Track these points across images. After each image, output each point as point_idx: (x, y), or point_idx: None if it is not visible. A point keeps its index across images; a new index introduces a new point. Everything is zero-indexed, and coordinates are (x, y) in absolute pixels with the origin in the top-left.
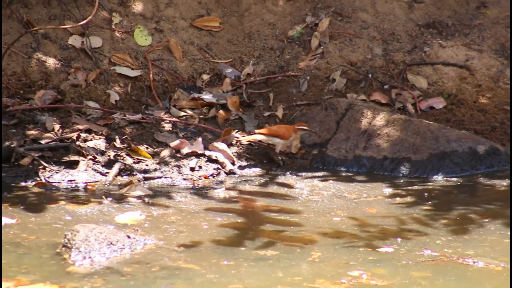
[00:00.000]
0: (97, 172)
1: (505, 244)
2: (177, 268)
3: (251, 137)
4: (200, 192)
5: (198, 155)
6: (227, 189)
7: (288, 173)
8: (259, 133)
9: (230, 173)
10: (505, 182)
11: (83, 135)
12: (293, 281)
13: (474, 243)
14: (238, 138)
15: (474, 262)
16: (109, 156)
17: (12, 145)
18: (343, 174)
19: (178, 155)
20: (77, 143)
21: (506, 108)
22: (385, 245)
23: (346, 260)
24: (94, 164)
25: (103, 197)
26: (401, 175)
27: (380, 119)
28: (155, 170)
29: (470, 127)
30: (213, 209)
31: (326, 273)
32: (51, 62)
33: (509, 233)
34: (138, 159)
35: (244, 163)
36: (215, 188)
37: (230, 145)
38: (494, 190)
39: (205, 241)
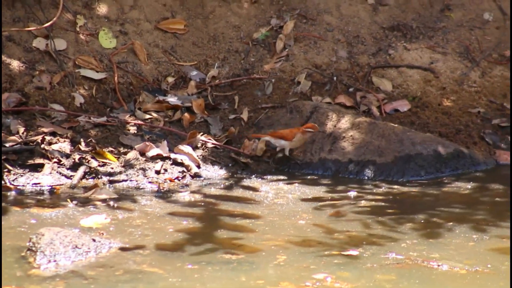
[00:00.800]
0: (62, 175)
1: (469, 247)
2: (140, 272)
3: (262, 135)
4: (166, 195)
5: (163, 158)
6: (192, 192)
7: (253, 176)
8: (267, 134)
9: (196, 176)
10: (469, 185)
11: (48, 138)
12: (256, 285)
13: (439, 246)
14: (254, 135)
15: (438, 265)
16: (74, 159)
17: None
18: (308, 177)
19: (144, 158)
20: (42, 146)
21: (471, 111)
22: (350, 249)
23: (311, 264)
24: (59, 167)
25: (68, 200)
26: (366, 178)
27: (345, 122)
28: (120, 173)
29: (434, 130)
30: (178, 213)
31: (290, 276)
32: (15, 64)
33: (474, 236)
34: (103, 162)
35: (209, 166)
36: (181, 191)
37: (195, 148)
38: (459, 193)
39: (170, 245)
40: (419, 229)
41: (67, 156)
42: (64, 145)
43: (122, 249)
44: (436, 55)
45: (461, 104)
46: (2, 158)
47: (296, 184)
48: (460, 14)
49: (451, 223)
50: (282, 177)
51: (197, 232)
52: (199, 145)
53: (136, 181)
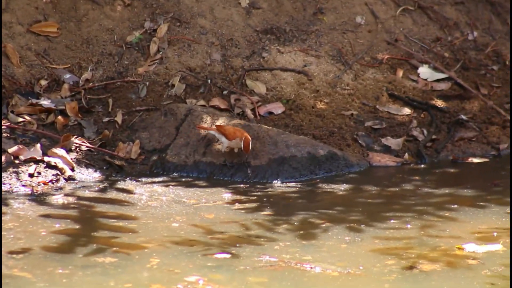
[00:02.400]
0: None
1: (342, 249)
2: (9, 277)
3: (208, 128)
4: (39, 198)
5: (37, 161)
6: (66, 195)
7: (128, 179)
8: (214, 128)
9: (70, 179)
10: (343, 187)
11: None
12: None
13: (312, 248)
14: (200, 126)
15: (311, 268)
16: None
17: None
18: (183, 179)
19: (17, 161)
20: None
21: (344, 114)
22: (224, 251)
23: (184, 266)
24: None
25: None
26: (240, 180)
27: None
28: None
29: (308, 132)
30: (51, 216)
31: (162, 278)
32: None
33: (347, 237)
34: None
35: (83, 169)
36: (54, 194)
37: (69, 151)
38: (333, 195)
39: (42, 248)
40: (293, 231)
41: None
42: None
43: None
44: (309, 58)
45: (335, 106)
46: None
47: (171, 187)
48: (332, 18)
49: (325, 225)
50: (156, 180)
51: (71, 235)
52: (73, 148)
53: (9, 184)
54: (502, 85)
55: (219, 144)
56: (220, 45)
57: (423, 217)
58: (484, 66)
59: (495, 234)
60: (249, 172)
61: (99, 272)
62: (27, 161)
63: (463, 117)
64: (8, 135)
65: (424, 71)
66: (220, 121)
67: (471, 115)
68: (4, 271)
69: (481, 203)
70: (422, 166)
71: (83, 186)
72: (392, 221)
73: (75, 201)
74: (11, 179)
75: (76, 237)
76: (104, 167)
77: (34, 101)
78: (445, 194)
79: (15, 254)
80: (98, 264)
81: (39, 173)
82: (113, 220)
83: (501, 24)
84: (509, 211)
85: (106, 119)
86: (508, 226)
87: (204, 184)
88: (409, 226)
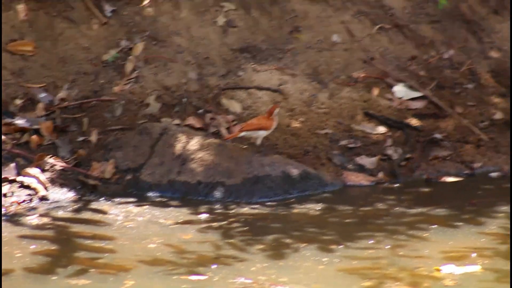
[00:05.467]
0: None
1: (319, 270)
2: None
3: (235, 135)
4: (13, 219)
5: (10, 181)
6: (40, 215)
7: (102, 198)
8: (242, 130)
9: (44, 199)
10: (318, 206)
11: None
12: None
13: (288, 269)
14: (226, 136)
15: None
16: None
17: None
18: (158, 199)
19: None
20: None
21: (319, 132)
22: (199, 273)
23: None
24: None
25: None
26: (215, 199)
27: (194, 144)
28: None
29: (283, 151)
30: (26, 236)
31: None
32: None
33: (323, 259)
34: None
35: (58, 189)
36: (28, 215)
37: (43, 170)
38: (308, 215)
39: (17, 270)
40: (269, 251)
41: None
42: None
43: None
44: (285, 76)
45: (310, 125)
46: None
47: (146, 207)
48: (309, 36)
49: (301, 245)
50: (131, 200)
51: (46, 256)
52: (47, 167)
53: None
54: (477, 103)
55: (255, 138)
56: (196, 63)
57: (398, 237)
58: (459, 84)
59: (474, 255)
60: (223, 191)
61: None
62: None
63: (438, 136)
64: None
65: (399, 90)
66: (195, 140)
67: (446, 134)
68: None
69: (457, 223)
70: (397, 185)
71: (57, 206)
72: (369, 241)
73: (50, 222)
74: None
75: (52, 259)
76: (78, 187)
77: (8, 120)
78: (420, 213)
79: None
80: (72, 286)
81: (12, 193)
82: (89, 241)
83: (477, 43)
84: (486, 232)
85: (81, 139)
86: (486, 246)
87: (180, 204)
88: (387, 246)
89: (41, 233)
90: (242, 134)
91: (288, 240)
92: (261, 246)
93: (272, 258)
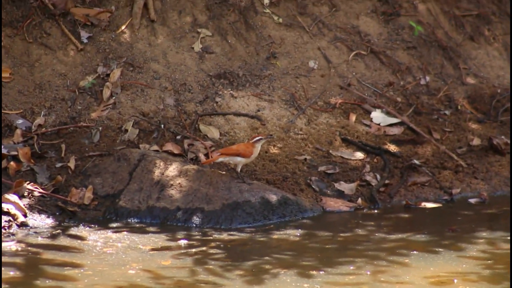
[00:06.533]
0: None
1: None
2: None
3: (214, 159)
4: None
5: None
6: (18, 242)
7: (81, 225)
8: (220, 154)
9: (22, 225)
10: (298, 232)
11: None
12: None
13: None
14: (203, 161)
15: None
16: None
17: None
18: (137, 225)
19: None
20: None
21: (297, 158)
22: None
23: None
24: None
25: None
26: (194, 225)
27: (173, 170)
28: None
29: (262, 177)
30: (4, 264)
31: None
32: None
33: (304, 284)
34: None
35: (36, 215)
36: (7, 241)
37: (22, 196)
38: (288, 240)
39: None
40: (248, 277)
41: None
42: None
43: None
44: (262, 102)
45: (288, 151)
46: None
47: (125, 233)
48: (286, 62)
49: (281, 271)
50: (110, 226)
51: (23, 284)
52: (25, 193)
53: None
54: (454, 129)
55: (233, 165)
56: (173, 89)
57: (379, 263)
58: (436, 110)
59: (455, 280)
60: (202, 217)
61: None
62: None
63: (416, 161)
64: None
65: (377, 116)
66: (173, 166)
67: (424, 159)
68: None
69: (437, 249)
70: (376, 211)
71: (36, 232)
72: (350, 267)
73: (28, 248)
74: None
75: (27, 286)
76: (57, 213)
77: None
78: (400, 239)
79: None
80: None
81: None
82: (68, 268)
83: (453, 69)
84: (467, 256)
85: (59, 165)
86: (468, 271)
87: (159, 229)
88: (368, 272)
89: (19, 260)
90: (220, 159)
91: (267, 266)
92: (240, 272)
93: (252, 284)
